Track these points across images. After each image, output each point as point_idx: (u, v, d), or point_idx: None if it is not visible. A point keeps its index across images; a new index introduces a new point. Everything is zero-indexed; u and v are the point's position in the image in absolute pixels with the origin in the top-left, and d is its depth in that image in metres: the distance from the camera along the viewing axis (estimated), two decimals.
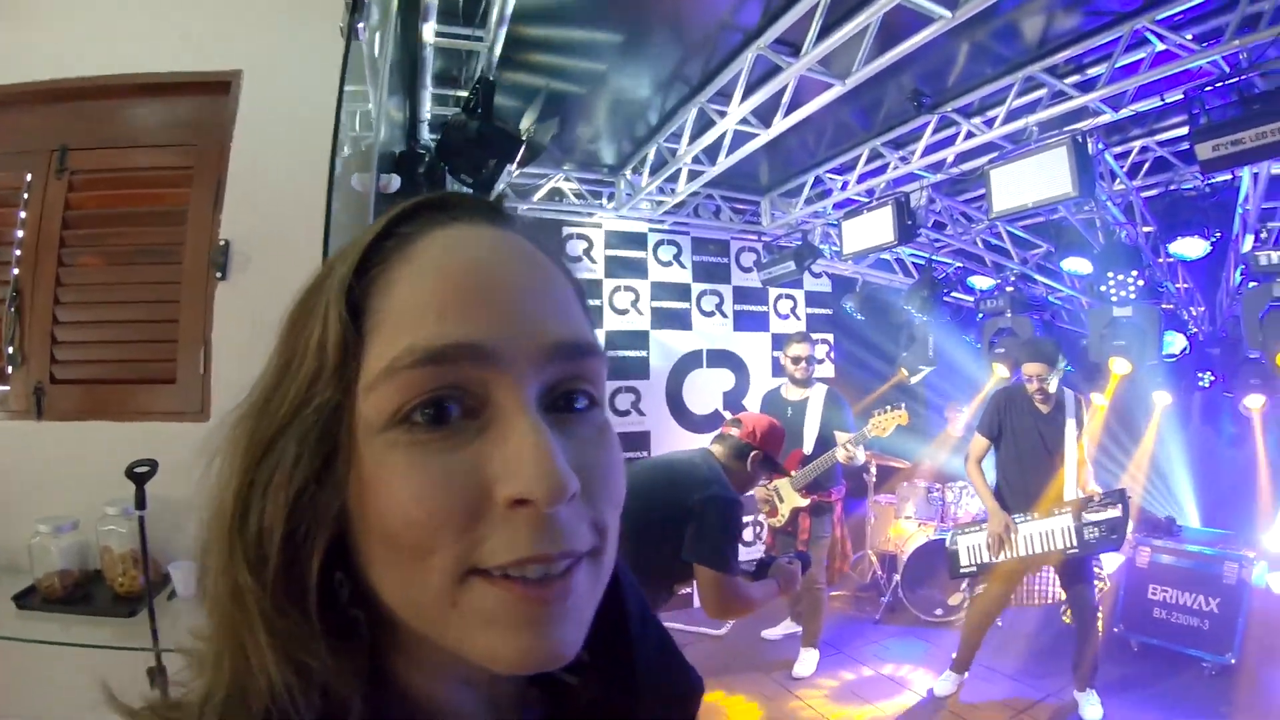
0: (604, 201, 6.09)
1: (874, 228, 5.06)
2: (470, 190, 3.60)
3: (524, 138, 3.70)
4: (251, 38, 2.35)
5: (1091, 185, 3.88)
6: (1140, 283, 4.86)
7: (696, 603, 6.23)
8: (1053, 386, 4.31)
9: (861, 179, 5.27)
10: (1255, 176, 4.21)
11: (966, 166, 4.77)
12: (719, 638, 5.64)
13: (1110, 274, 4.88)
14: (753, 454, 3.01)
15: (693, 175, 5.22)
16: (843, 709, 4.53)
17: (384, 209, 0.59)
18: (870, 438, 4.76)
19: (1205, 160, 3.24)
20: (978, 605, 4.68)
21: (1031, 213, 4.92)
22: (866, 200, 5.28)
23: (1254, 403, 5.50)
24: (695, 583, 2.67)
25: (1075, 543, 4.17)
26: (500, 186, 5.21)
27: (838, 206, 5.80)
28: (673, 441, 6.49)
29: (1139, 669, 5.03)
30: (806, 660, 5.02)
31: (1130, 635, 5.24)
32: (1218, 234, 4.60)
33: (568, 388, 0.52)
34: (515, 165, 3.81)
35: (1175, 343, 5.72)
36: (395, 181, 3.25)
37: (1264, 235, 4.57)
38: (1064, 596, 4.65)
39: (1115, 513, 4.09)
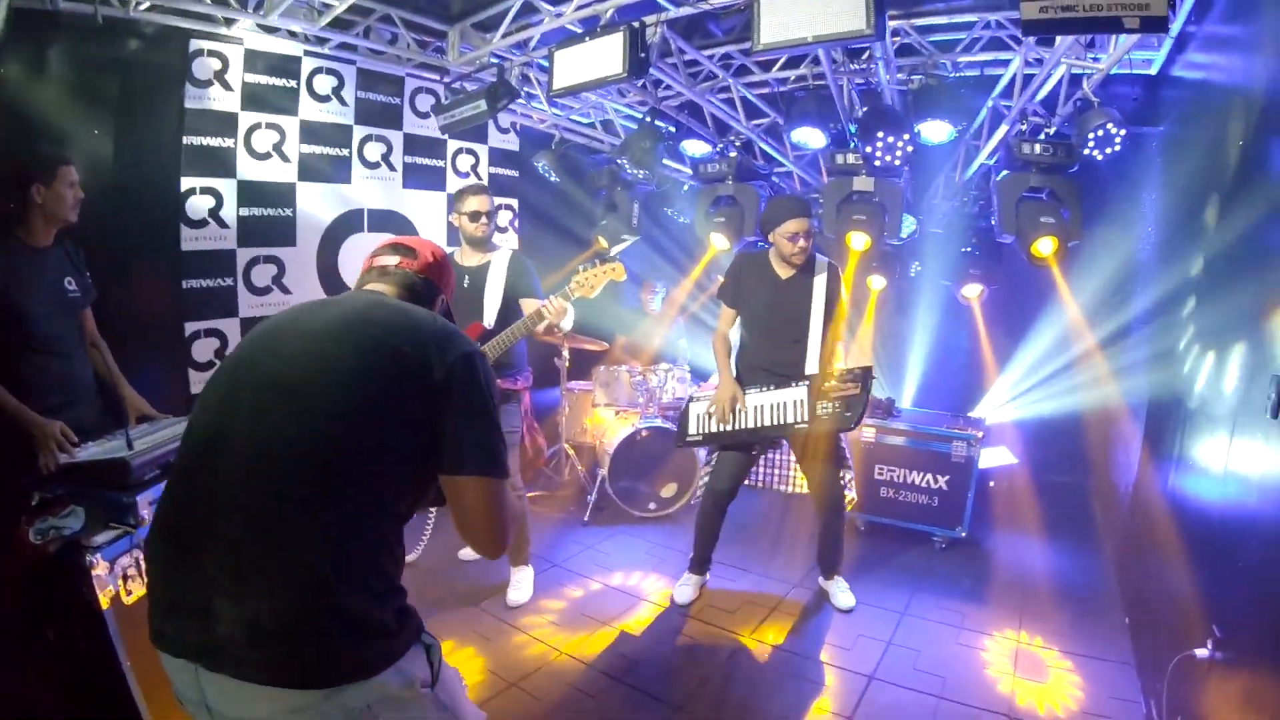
0: (248, 8, 5.36)
1: (597, 59, 4.90)
2: None
3: None
4: None
5: (883, 27, 3.96)
6: (910, 148, 5.31)
7: None
8: (810, 245, 4.55)
9: (582, 5, 5.10)
10: (1027, 75, 4.87)
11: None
12: (411, 565, 5.22)
13: (880, 134, 5.26)
14: (439, 297, 2.38)
15: None
16: (577, 635, 4.51)
17: None
18: (575, 298, 4.47)
19: (1029, 20, 3.49)
20: (709, 490, 4.86)
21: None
22: (583, 32, 5.05)
23: (972, 292, 6.34)
24: (455, 505, 1.96)
25: (805, 417, 4.49)
26: None
27: (545, 40, 5.59)
28: None
29: (870, 548, 5.70)
30: (521, 583, 4.99)
31: (859, 516, 5.96)
32: (964, 123, 5.26)
33: None
34: None
35: (908, 224, 6.38)
36: None
37: (1023, 127, 5.13)
38: (802, 480, 5.05)
39: (853, 390, 4.43)
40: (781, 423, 4.58)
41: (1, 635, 3.07)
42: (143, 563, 1.83)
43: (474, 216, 4.73)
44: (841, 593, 4.90)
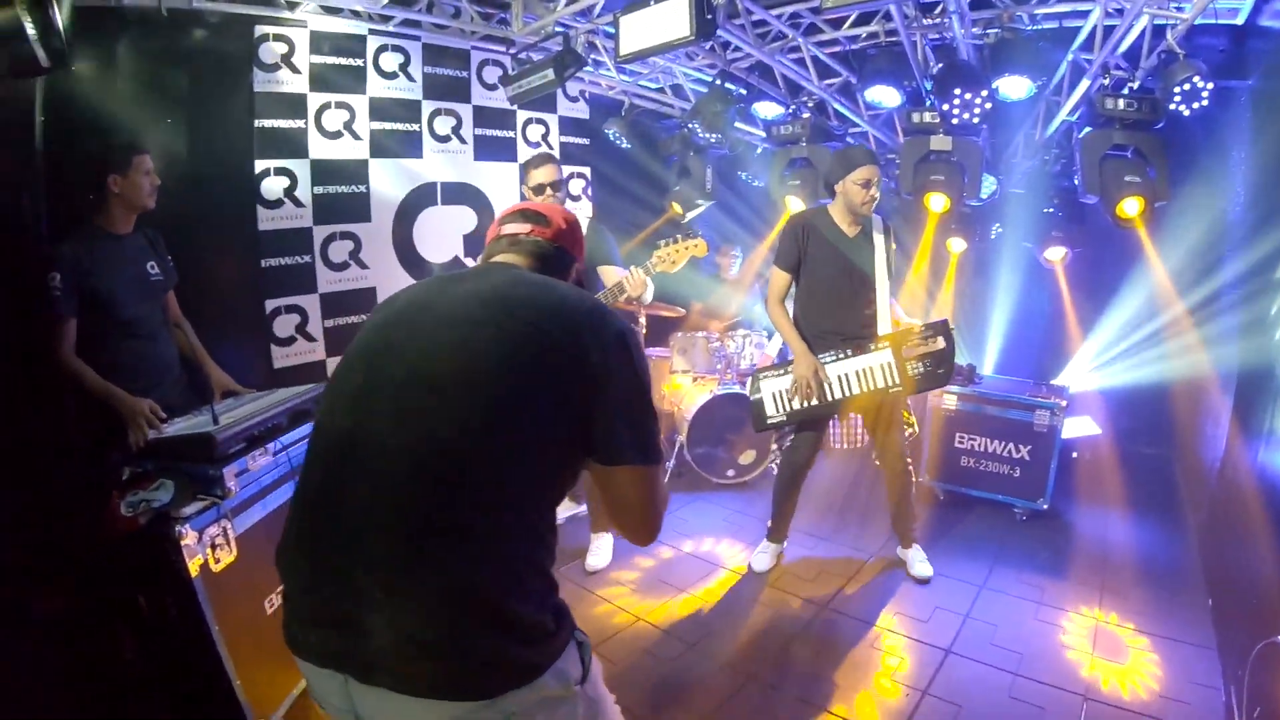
0: None
1: (663, 22, 4.83)
2: None
3: None
4: None
5: None
6: (988, 105, 5.13)
7: None
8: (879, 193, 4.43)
9: None
10: (1107, 26, 4.63)
11: None
12: None
13: (957, 91, 5.09)
14: (573, 266, 2.24)
15: None
16: (655, 602, 4.60)
17: None
18: (656, 272, 4.45)
19: None
20: (787, 463, 4.85)
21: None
22: None
23: (1055, 254, 6.19)
24: (609, 494, 1.88)
25: (897, 380, 4.42)
26: None
27: (609, 7, 5.55)
28: None
29: (950, 518, 5.67)
30: (600, 548, 5.09)
31: (938, 484, 5.93)
32: (1044, 78, 5.05)
33: None
34: None
35: (988, 184, 6.24)
36: None
37: (1105, 81, 4.89)
38: (870, 441, 4.98)
39: (940, 345, 4.37)
40: (873, 388, 4.49)
41: (95, 603, 3.27)
42: (279, 569, 1.73)
43: (538, 189, 4.72)
44: (919, 562, 4.87)
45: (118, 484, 3.00)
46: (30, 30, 2.98)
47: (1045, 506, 5.60)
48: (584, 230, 4.49)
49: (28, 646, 2.80)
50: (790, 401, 4.67)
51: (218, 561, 2.98)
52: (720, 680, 3.87)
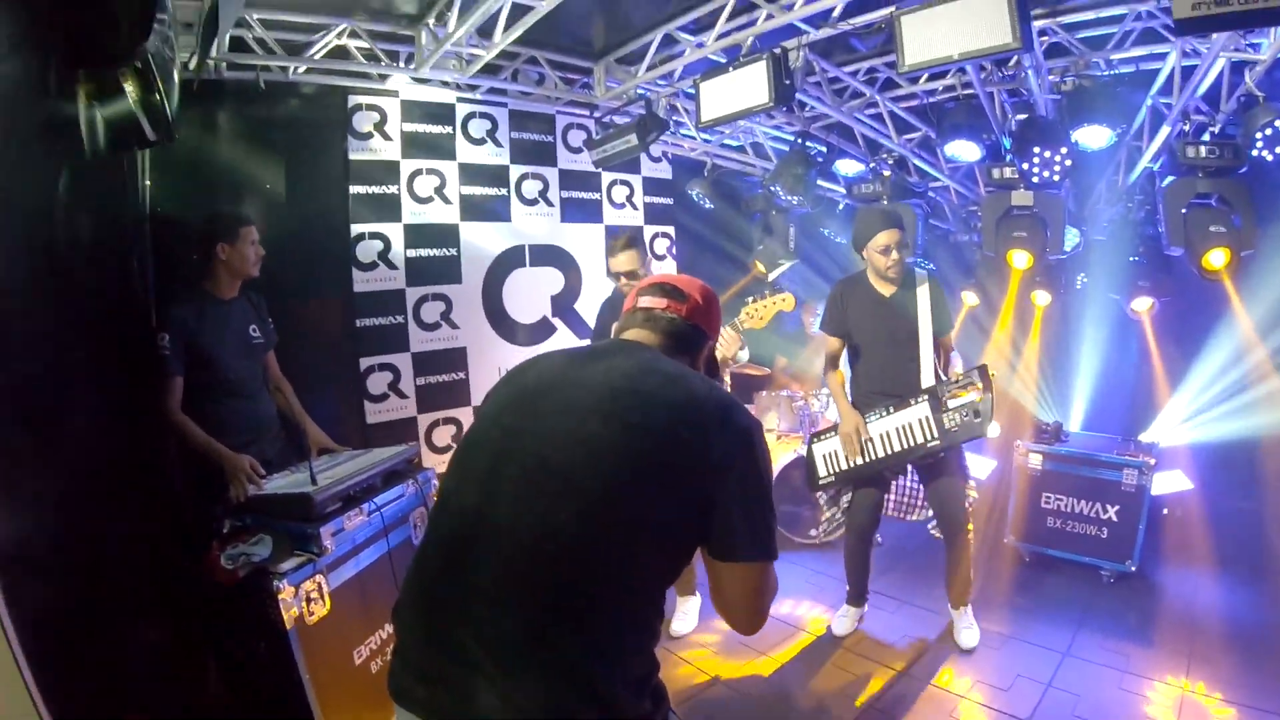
0: (400, 62, 5.77)
1: (742, 89, 5.00)
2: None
3: None
4: None
5: (1030, 36, 3.88)
6: (1069, 162, 5.16)
7: None
8: (904, 257, 4.53)
9: (722, 35, 5.22)
10: (1186, 67, 4.63)
11: (865, 19, 4.69)
12: None
13: (1037, 149, 5.14)
14: (706, 345, 2.27)
15: (514, 18, 4.93)
16: (734, 663, 4.64)
17: None
18: (745, 329, 4.28)
19: (1181, 19, 3.33)
20: (849, 526, 4.90)
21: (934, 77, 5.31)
22: (726, 62, 5.22)
23: (1141, 305, 6.07)
24: (719, 586, 1.90)
25: (936, 434, 4.38)
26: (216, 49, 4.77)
27: (688, 71, 5.79)
28: (495, 358, 6.49)
29: (1035, 581, 5.56)
30: (688, 613, 5.10)
31: (1024, 546, 5.81)
32: (1123, 125, 4.99)
33: None
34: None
35: (1071, 237, 6.20)
36: None
37: (1185, 128, 4.91)
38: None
39: (975, 394, 4.30)
40: (911, 445, 4.49)
41: (190, 649, 3.49)
42: (397, 615, 1.85)
43: (615, 277, 4.84)
44: (965, 629, 4.77)
45: (218, 535, 3.22)
46: (137, 108, 3.23)
47: (1133, 568, 5.43)
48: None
49: (123, 675, 3.01)
50: (839, 461, 4.76)
51: (311, 614, 3.18)
52: None
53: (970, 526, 4.71)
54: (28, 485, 2.41)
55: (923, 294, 4.60)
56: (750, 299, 4.36)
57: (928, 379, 4.55)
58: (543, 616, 1.63)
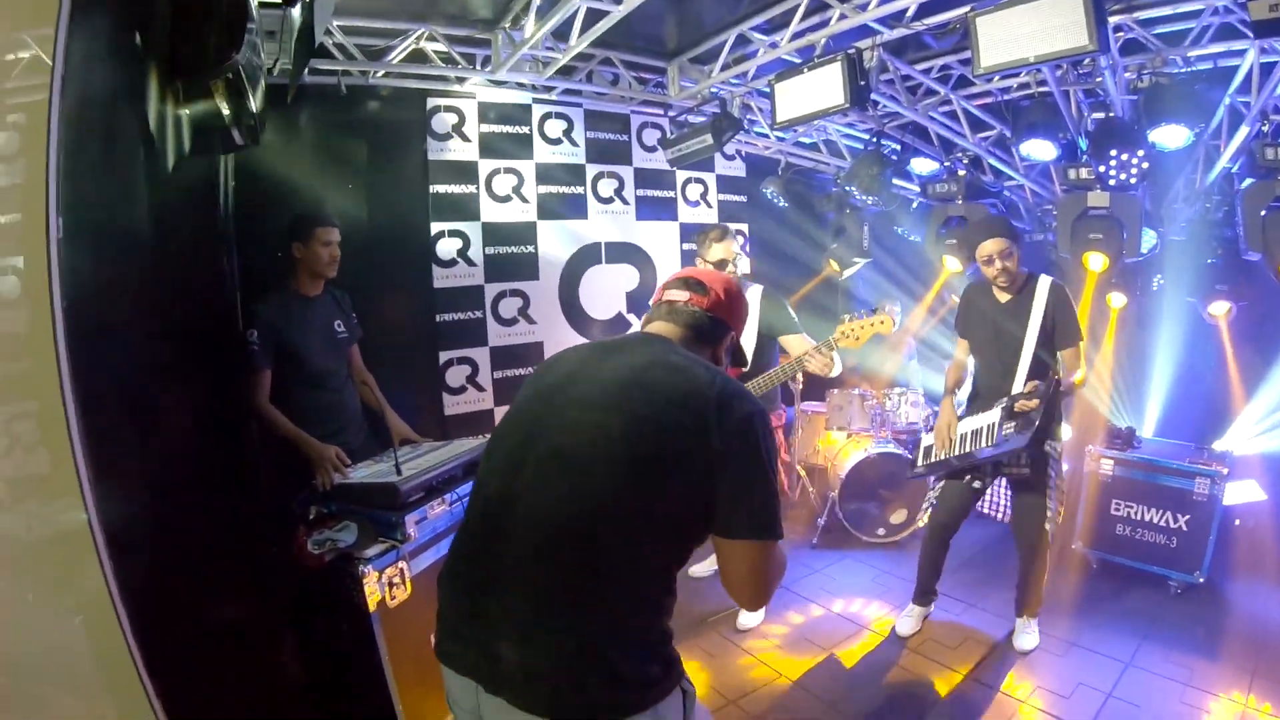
0: (477, 65, 5.94)
1: (817, 89, 5.08)
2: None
3: None
4: None
5: (1107, 38, 3.90)
6: (1145, 164, 5.13)
7: None
8: (1016, 264, 4.44)
9: (796, 35, 5.25)
10: (1265, 65, 4.57)
11: (939, 19, 4.71)
12: None
13: (1113, 152, 5.13)
14: (727, 336, 2.39)
15: (589, 22, 5.03)
16: (798, 659, 4.74)
17: None
18: (840, 348, 4.51)
19: (1258, 20, 3.42)
20: (931, 521, 4.94)
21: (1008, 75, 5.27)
22: (800, 63, 5.31)
23: (1218, 309, 5.99)
24: (722, 563, 2.05)
25: (994, 440, 4.40)
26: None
27: (761, 71, 5.85)
28: None
29: (1101, 588, 5.54)
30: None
31: (1091, 552, 5.79)
32: (1201, 124, 4.90)
33: None
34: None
35: (1148, 239, 6.12)
36: None
37: (1264, 128, 4.84)
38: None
39: (1032, 405, 4.28)
40: (977, 448, 4.52)
41: (273, 628, 3.69)
42: (441, 585, 2.12)
43: (720, 265, 4.87)
44: (1026, 634, 4.82)
45: (305, 521, 3.42)
46: (227, 115, 3.43)
47: (1202, 580, 5.36)
48: (755, 300, 4.84)
49: (216, 653, 3.22)
50: (930, 453, 4.88)
51: (393, 599, 3.36)
52: None
53: (1048, 544, 4.68)
54: (131, 472, 2.62)
55: (1039, 302, 4.53)
56: (847, 317, 4.49)
57: (1019, 387, 4.52)
58: (556, 591, 1.86)
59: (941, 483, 4.91)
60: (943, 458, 4.74)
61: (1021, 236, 4.53)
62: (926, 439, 5.02)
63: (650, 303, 2.45)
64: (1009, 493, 5.02)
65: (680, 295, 2.33)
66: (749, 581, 2.02)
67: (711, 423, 1.92)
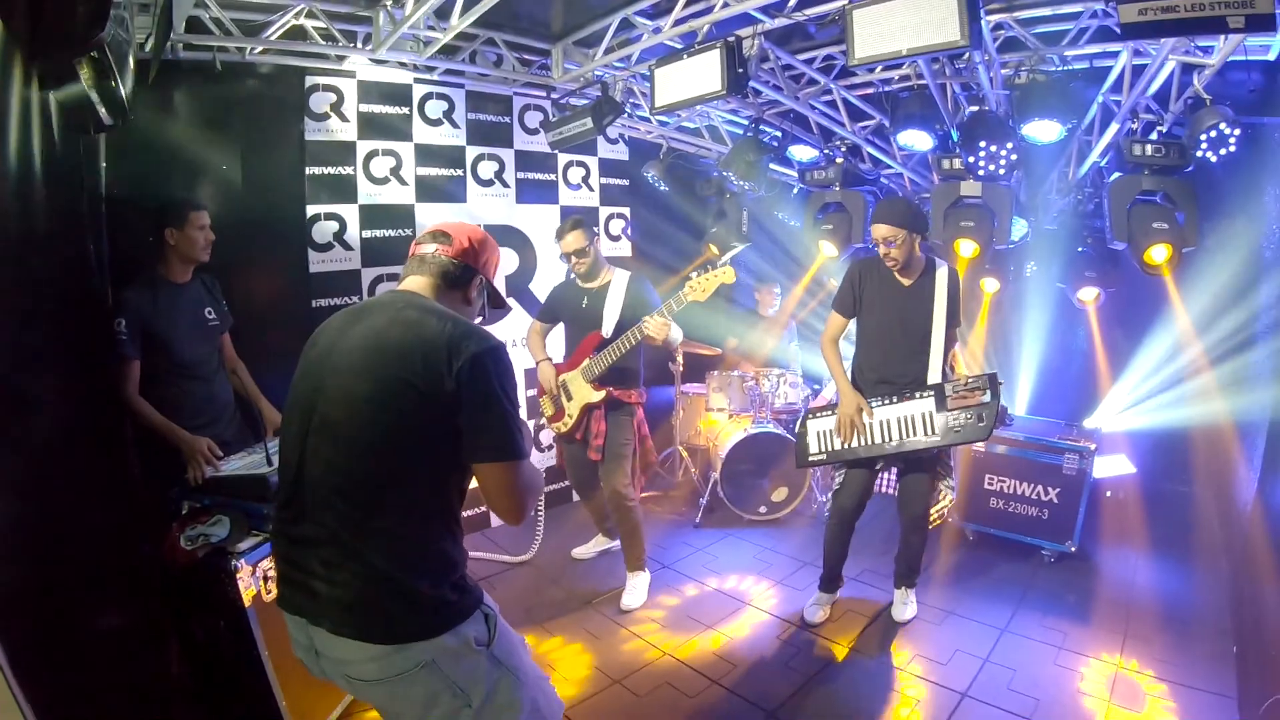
0: (358, 43, 5.84)
1: (696, 76, 5.10)
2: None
3: None
4: None
5: (979, 34, 3.99)
6: (1014, 156, 5.31)
7: (494, 521, 6.56)
8: (903, 253, 4.51)
9: (679, 21, 5.28)
10: (1137, 66, 4.73)
11: (818, 10, 4.81)
12: (526, 563, 5.91)
13: (983, 144, 5.28)
14: (475, 279, 2.65)
15: (471, 1, 4.95)
16: (682, 638, 4.84)
17: None
18: (688, 302, 4.72)
19: (1127, 23, 3.54)
20: (835, 506, 4.93)
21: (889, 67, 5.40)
22: (682, 49, 5.29)
23: (1087, 295, 6.25)
24: (480, 486, 2.33)
25: (936, 431, 4.44)
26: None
27: (645, 55, 5.87)
28: None
29: (977, 559, 5.82)
30: (636, 588, 5.32)
31: (967, 525, 6.09)
32: (1074, 120, 5.06)
33: None
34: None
35: (1019, 228, 6.34)
36: None
37: (1134, 126, 5.05)
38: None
39: (983, 398, 4.37)
40: (911, 437, 4.54)
41: (152, 629, 3.60)
42: (272, 550, 2.50)
43: (565, 258, 5.21)
44: (904, 604, 5.00)
45: (176, 517, 3.33)
46: (94, 93, 3.28)
47: (1073, 549, 5.71)
48: (621, 286, 5.01)
49: (90, 656, 3.12)
50: (833, 441, 4.81)
51: (270, 592, 3.32)
52: (740, 716, 4.09)
53: (935, 523, 4.87)
54: None
55: (940, 286, 4.65)
56: (695, 274, 4.71)
57: (934, 375, 4.62)
58: (347, 537, 2.18)
59: (843, 470, 4.93)
60: (854, 446, 4.71)
61: (919, 223, 4.57)
62: (817, 424, 4.94)
63: (408, 257, 2.68)
64: (896, 467, 5.08)
65: (429, 248, 2.60)
66: (503, 497, 2.31)
67: (443, 368, 2.21)
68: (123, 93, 3.44)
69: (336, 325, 2.48)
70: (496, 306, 2.89)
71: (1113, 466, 6.46)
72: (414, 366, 2.21)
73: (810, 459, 4.97)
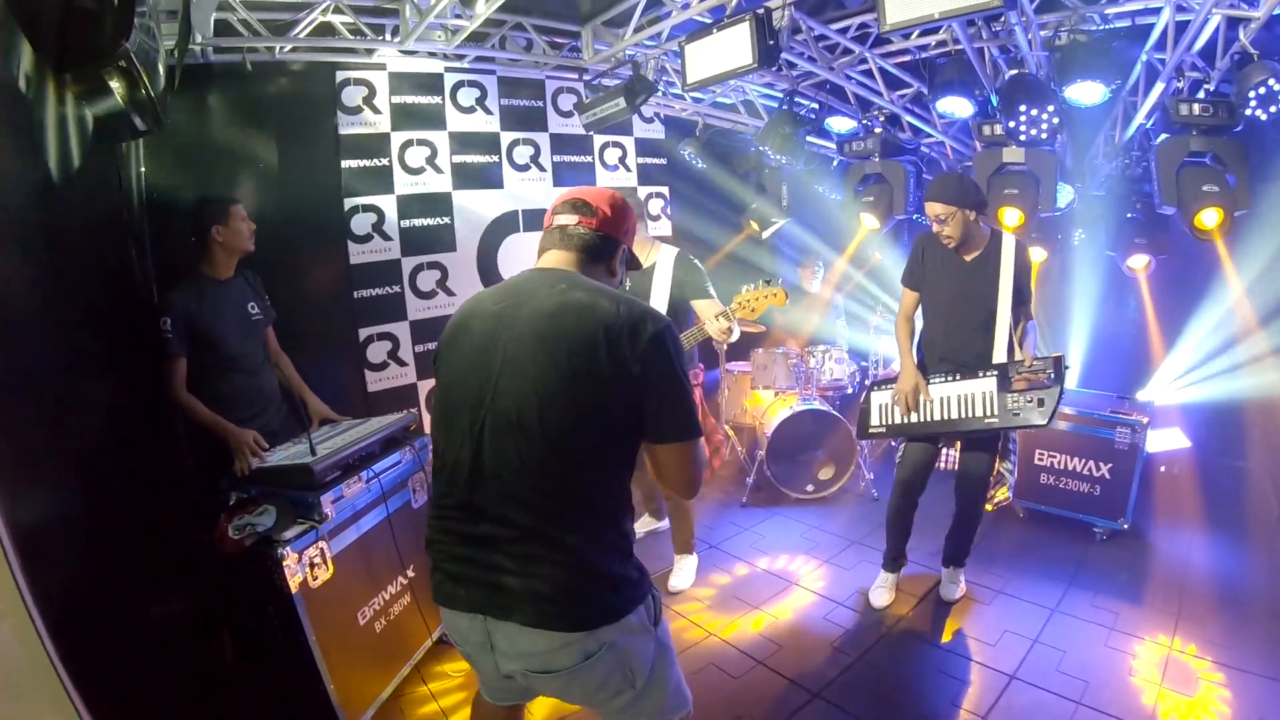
0: (386, 36, 5.94)
1: (726, 50, 5.06)
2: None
3: None
4: None
5: None
6: (1056, 120, 5.12)
7: None
8: (957, 231, 4.38)
9: None
10: (1180, 23, 4.58)
11: None
12: None
13: (1023, 108, 5.12)
14: (619, 251, 2.61)
15: None
16: (729, 619, 4.85)
17: None
18: (736, 318, 4.61)
19: None
20: (896, 480, 4.87)
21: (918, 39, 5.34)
22: (711, 23, 5.24)
23: (1137, 263, 6.13)
24: (657, 465, 2.36)
25: (996, 412, 4.31)
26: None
27: (676, 32, 5.87)
28: None
29: (1027, 537, 5.73)
30: (684, 569, 5.34)
31: (1018, 502, 5.98)
32: (1118, 81, 4.93)
33: None
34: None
35: (1064, 194, 6.28)
36: None
37: (1179, 85, 4.90)
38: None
39: (1046, 381, 4.23)
40: (970, 416, 4.42)
41: (203, 612, 3.72)
42: (431, 547, 2.39)
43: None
44: (951, 583, 4.94)
45: (225, 508, 3.46)
46: (123, 101, 3.38)
47: (1126, 526, 5.58)
48: (669, 263, 4.86)
49: (141, 646, 3.25)
50: (893, 414, 4.77)
51: (316, 579, 3.43)
52: (785, 697, 4.09)
53: (993, 504, 4.80)
54: (44, 473, 2.62)
55: (1007, 262, 4.50)
56: (746, 287, 4.58)
57: (1000, 354, 4.50)
58: (550, 529, 2.17)
59: (904, 445, 4.89)
60: (913, 421, 4.66)
61: (971, 199, 4.40)
62: (879, 397, 4.90)
63: (543, 227, 2.61)
64: (959, 443, 4.97)
65: (569, 219, 2.52)
66: (681, 476, 2.36)
67: (627, 350, 2.18)
68: (154, 98, 3.54)
69: (489, 312, 2.38)
70: (634, 268, 2.82)
71: (1167, 441, 6.34)
72: (598, 353, 2.17)
73: (871, 430, 4.91)
